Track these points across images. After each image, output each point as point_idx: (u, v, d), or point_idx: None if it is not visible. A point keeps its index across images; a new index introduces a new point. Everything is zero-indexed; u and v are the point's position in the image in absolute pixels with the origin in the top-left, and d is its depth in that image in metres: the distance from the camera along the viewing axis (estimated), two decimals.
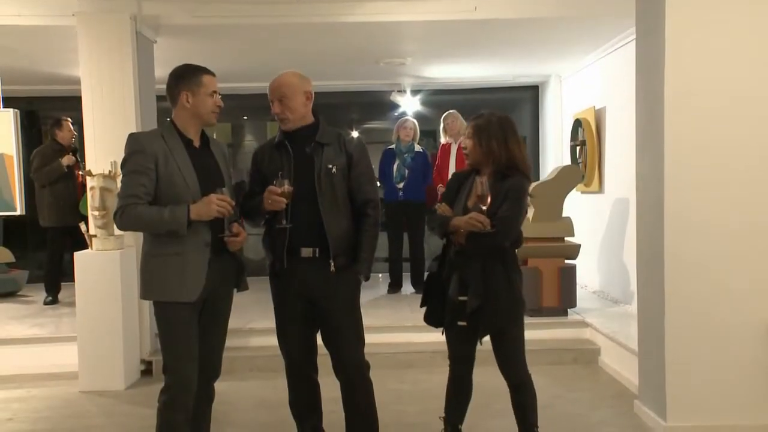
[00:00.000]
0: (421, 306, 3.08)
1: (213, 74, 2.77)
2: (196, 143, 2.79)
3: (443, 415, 3.11)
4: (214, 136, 2.98)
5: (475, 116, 2.98)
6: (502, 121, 2.90)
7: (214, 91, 2.75)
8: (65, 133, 6.24)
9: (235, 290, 2.92)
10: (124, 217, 2.64)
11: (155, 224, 2.63)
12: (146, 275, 2.73)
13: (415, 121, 6.48)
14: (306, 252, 2.93)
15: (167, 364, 2.73)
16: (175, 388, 2.68)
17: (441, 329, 3.03)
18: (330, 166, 2.92)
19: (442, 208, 2.92)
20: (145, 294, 2.77)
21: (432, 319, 3.04)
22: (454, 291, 2.87)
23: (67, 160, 6.13)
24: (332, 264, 2.89)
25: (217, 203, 2.61)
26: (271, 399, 4.17)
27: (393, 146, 6.38)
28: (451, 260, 2.93)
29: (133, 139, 2.71)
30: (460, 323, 2.87)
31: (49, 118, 8.30)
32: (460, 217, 2.83)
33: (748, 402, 3.46)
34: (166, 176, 2.65)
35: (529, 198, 2.92)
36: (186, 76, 2.72)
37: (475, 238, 2.79)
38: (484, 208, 2.75)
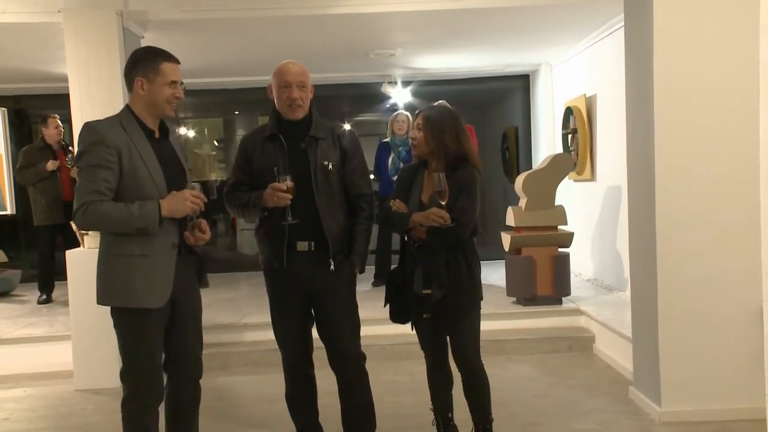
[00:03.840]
0: (385, 305, 3.06)
1: (176, 61, 2.53)
2: (156, 134, 2.59)
3: (432, 406, 3.11)
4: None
5: (424, 108, 2.96)
6: (454, 116, 2.90)
7: (174, 81, 2.50)
8: (51, 130, 6.12)
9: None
10: (87, 216, 2.39)
11: (124, 222, 2.40)
12: (107, 278, 2.50)
13: (408, 114, 6.46)
14: (302, 246, 2.91)
15: (129, 371, 2.53)
16: (138, 395, 2.53)
17: (410, 324, 3.03)
18: (326, 162, 2.90)
19: (396, 204, 2.90)
20: (105, 299, 2.52)
21: (398, 317, 3.03)
22: (418, 285, 2.87)
23: (51, 165, 6.00)
24: (332, 263, 2.88)
25: (192, 200, 2.48)
26: (267, 394, 4.17)
27: (388, 139, 6.38)
28: (414, 255, 2.92)
29: (90, 129, 2.45)
30: (425, 316, 2.88)
31: (38, 116, 8.28)
32: (419, 213, 2.82)
33: (740, 385, 3.48)
34: (130, 171, 2.43)
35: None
36: (143, 60, 2.50)
37: (437, 233, 2.78)
38: (443, 203, 2.76)
